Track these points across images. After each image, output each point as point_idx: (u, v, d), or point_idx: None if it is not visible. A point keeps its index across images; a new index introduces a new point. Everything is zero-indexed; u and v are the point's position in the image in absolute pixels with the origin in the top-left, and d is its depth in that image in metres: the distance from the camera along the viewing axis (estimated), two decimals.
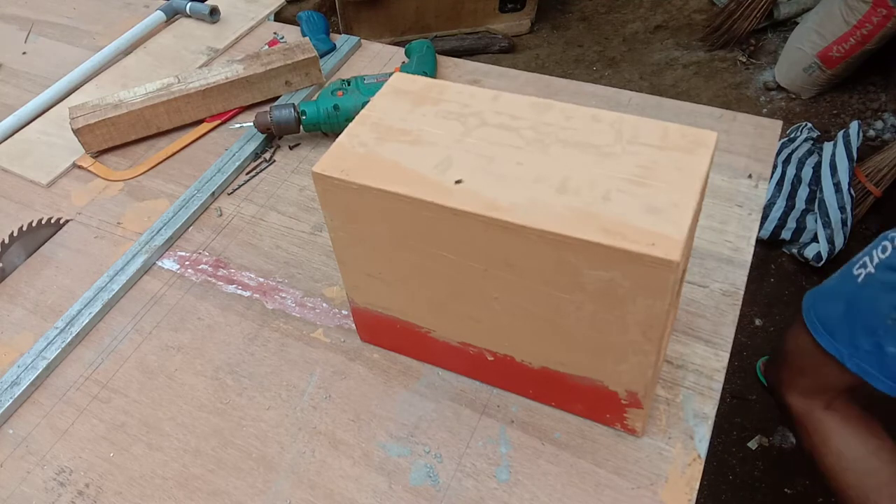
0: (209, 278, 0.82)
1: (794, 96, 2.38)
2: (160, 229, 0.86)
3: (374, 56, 1.12)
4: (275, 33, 1.19)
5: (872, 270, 0.95)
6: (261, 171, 0.95)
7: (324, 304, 0.77)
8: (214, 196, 0.91)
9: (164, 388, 0.72)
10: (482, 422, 0.65)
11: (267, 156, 0.97)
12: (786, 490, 1.52)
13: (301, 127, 0.94)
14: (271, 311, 0.77)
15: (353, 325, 0.72)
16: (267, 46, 1.15)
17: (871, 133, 2.19)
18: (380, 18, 2.74)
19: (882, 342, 0.92)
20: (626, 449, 0.62)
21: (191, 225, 0.88)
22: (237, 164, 0.94)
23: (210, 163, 0.96)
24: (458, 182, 0.52)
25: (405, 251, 0.57)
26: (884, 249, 0.95)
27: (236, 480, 0.64)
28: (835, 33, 2.18)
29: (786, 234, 1.94)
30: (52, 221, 0.89)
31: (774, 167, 1.96)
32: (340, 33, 1.17)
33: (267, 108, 0.95)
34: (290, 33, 1.18)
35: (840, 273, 1.03)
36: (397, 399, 0.68)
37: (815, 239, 1.89)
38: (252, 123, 0.96)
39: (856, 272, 0.98)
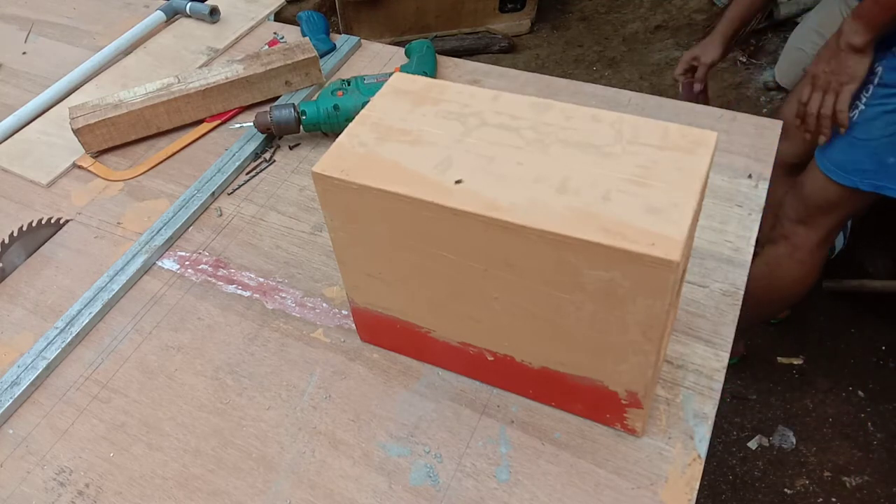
0: (209, 278, 0.82)
1: None
2: (160, 229, 0.86)
3: (374, 56, 1.12)
4: (275, 33, 1.19)
5: (863, 108, 1.20)
6: (261, 171, 0.95)
7: (324, 304, 0.77)
8: (214, 196, 0.91)
9: (164, 388, 0.72)
10: (482, 422, 0.65)
11: (267, 156, 0.97)
12: (786, 490, 1.52)
13: (301, 127, 0.94)
14: (271, 311, 0.77)
15: (353, 325, 0.72)
16: (267, 46, 1.15)
17: None
18: (380, 18, 2.74)
19: (882, 158, 1.21)
20: (626, 449, 0.62)
21: (191, 225, 0.88)
22: (237, 164, 0.94)
23: (210, 163, 0.96)
24: (458, 182, 0.52)
25: (405, 251, 0.57)
26: (866, 91, 1.20)
27: (236, 480, 0.64)
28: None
29: None
30: (52, 221, 0.89)
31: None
32: (340, 33, 1.17)
33: (267, 108, 0.95)
34: (290, 33, 1.18)
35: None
36: (397, 399, 0.68)
37: None
38: (252, 123, 0.96)
39: (850, 114, 1.21)
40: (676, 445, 0.62)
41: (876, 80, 1.17)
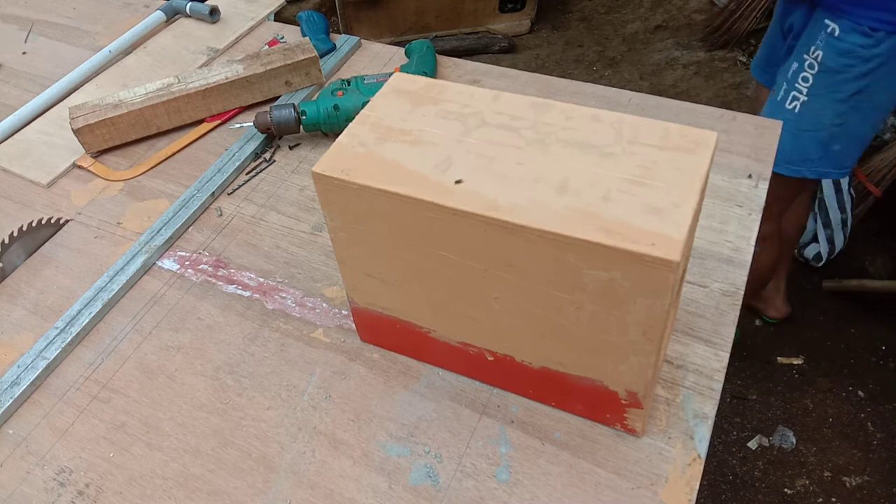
0: (209, 278, 0.82)
1: None
2: (160, 229, 0.86)
3: (374, 56, 1.12)
4: (275, 33, 1.19)
5: (805, 99, 1.16)
6: (261, 171, 0.95)
7: (324, 304, 0.77)
8: (214, 196, 0.91)
9: (164, 388, 0.72)
10: (482, 422, 0.65)
11: (267, 156, 0.97)
12: (786, 490, 1.52)
13: (301, 127, 0.94)
14: (271, 311, 0.77)
15: (353, 325, 0.72)
16: (267, 46, 1.15)
17: None
18: (380, 18, 2.74)
19: (827, 145, 1.18)
20: (626, 449, 0.62)
21: (191, 225, 0.88)
22: (237, 164, 0.94)
23: (210, 163, 0.96)
24: (458, 182, 0.52)
25: (405, 251, 0.57)
26: (805, 80, 1.15)
27: (236, 480, 0.64)
28: None
29: None
30: (52, 221, 0.89)
31: None
32: (340, 33, 1.17)
33: (267, 108, 0.95)
34: (290, 33, 1.18)
35: (772, 115, 1.22)
36: (397, 399, 0.68)
37: (815, 239, 1.89)
38: (252, 123, 0.96)
39: (789, 106, 1.19)
40: (676, 445, 0.62)
41: (816, 67, 1.10)
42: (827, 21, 1.06)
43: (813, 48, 1.10)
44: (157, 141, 1.02)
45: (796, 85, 1.15)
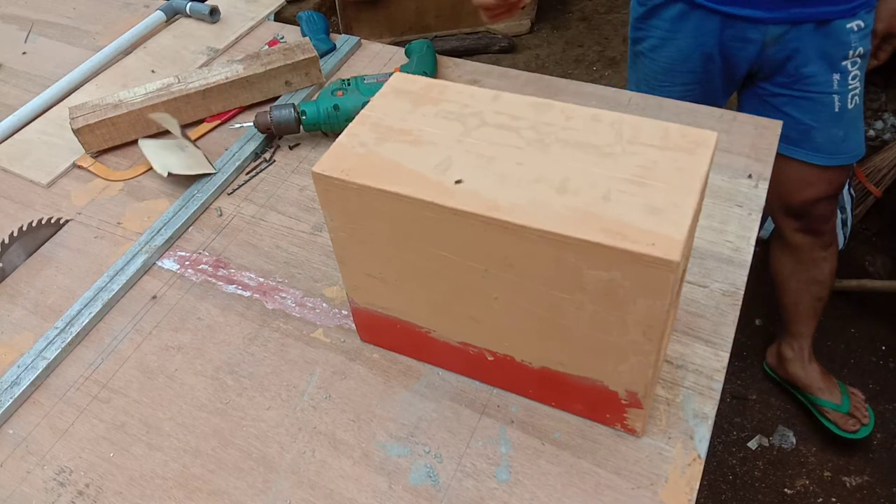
0: (209, 278, 0.82)
1: None
2: (160, 229, 0.86)
3: (374, 56, 1.12)
4: (275, 33, 1.19)
5: (860, 89, 1.15)
6: (261, 171, 0.95)
7: (324, 304, 0.77)
8: (214, 196, 0.91)
9: (164, 388, 0.72)
10: (482, 422, 0.65)
11: (267, 156, 0.97)
12: (786, 490, 1.52)
13: (301, 127, 0.94)
14: (271, 311, 0.77)
15: (353, 325, 0.72)
16: (267, 46, 1.15)
17: (871, 133, 2.19)
18: (380, 18, 2.74)
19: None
20: (626, 449, 0.62)
21: (191, 225, 0.88)
22: (237, 164, 0.94)
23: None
24: (458, 182, 0.52)
25: (405, 251, 0.57)
26: (854, 77, 1.13)
27: (236, 480, 0.64)
28: None
29: None
30: (52, 221, 0.89)
31: None
32: (340, 33, 1.17)
33: (267, 108, 0.95)
34: (290, 33, 1.18)
35: (835, 126, 1.20)
36: (397, 399, 0.68)
37: None
38: (252, 123, 0.96)
39: (851, 106, 1.16)
40: (676, 445, 0.62)
41: (859, 62, 1.11)
42: (848, 24, 1.08)
43: (850, 51, 1.10)
44: None
45: (848, 87, 1.15)
